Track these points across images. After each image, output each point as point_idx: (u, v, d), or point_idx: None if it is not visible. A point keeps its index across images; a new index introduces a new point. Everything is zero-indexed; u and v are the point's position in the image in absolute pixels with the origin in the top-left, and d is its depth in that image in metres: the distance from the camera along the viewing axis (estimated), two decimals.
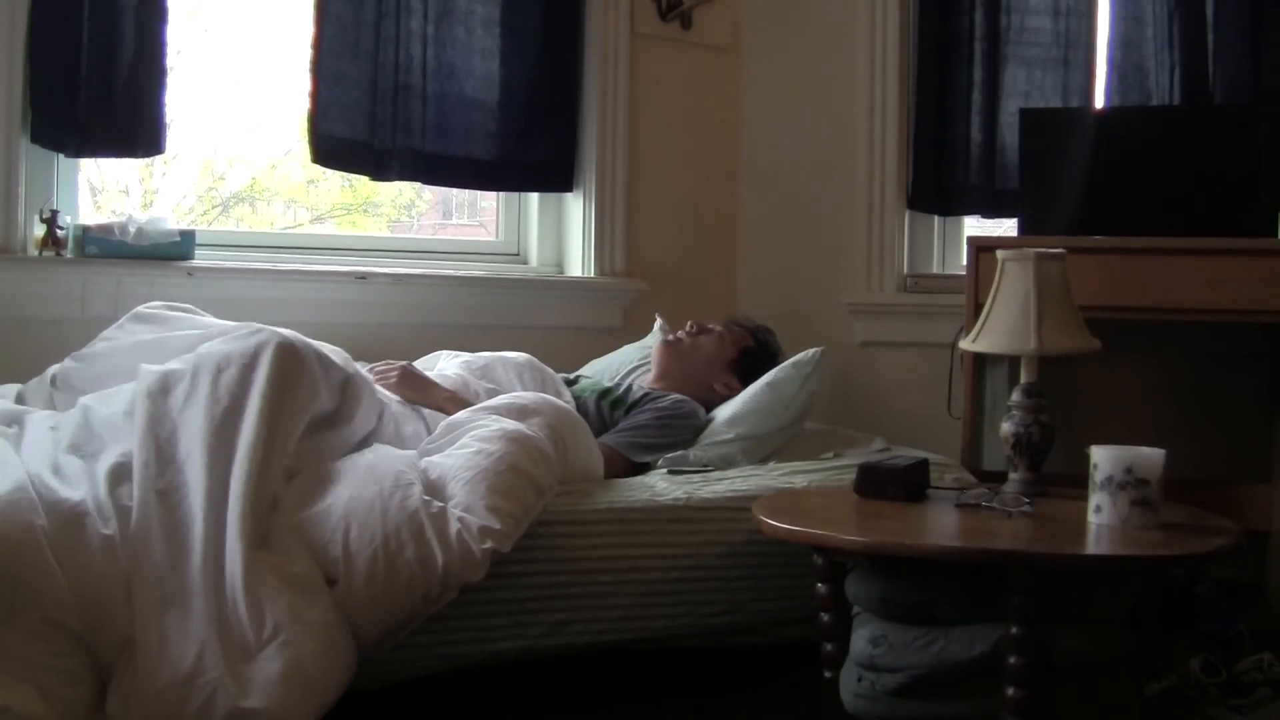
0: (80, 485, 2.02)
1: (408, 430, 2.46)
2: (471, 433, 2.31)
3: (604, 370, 3.23)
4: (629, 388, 2.91)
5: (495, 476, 2.17)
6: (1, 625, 1.81)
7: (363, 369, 2.49)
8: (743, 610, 2.43)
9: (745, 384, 2.97)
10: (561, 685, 2.38)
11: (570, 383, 2.95)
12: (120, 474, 2.04)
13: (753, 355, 3.04)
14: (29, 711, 1.76)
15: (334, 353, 2.34)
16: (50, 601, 1.84)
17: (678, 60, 3.68)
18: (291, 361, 2.15)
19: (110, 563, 1.92)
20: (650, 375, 3.05)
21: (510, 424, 2.33)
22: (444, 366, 2.86)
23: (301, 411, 2.16)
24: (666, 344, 3.06)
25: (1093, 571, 2.08)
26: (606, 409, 2.82)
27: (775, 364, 3.02)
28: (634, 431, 2.74)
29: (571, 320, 3.51)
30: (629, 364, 3.25)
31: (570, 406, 2.67)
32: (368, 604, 2.02)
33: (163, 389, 2.11)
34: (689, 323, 3.08)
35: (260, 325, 2.24)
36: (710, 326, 3.06)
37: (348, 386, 2.29)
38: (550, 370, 2.88)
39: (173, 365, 2.16)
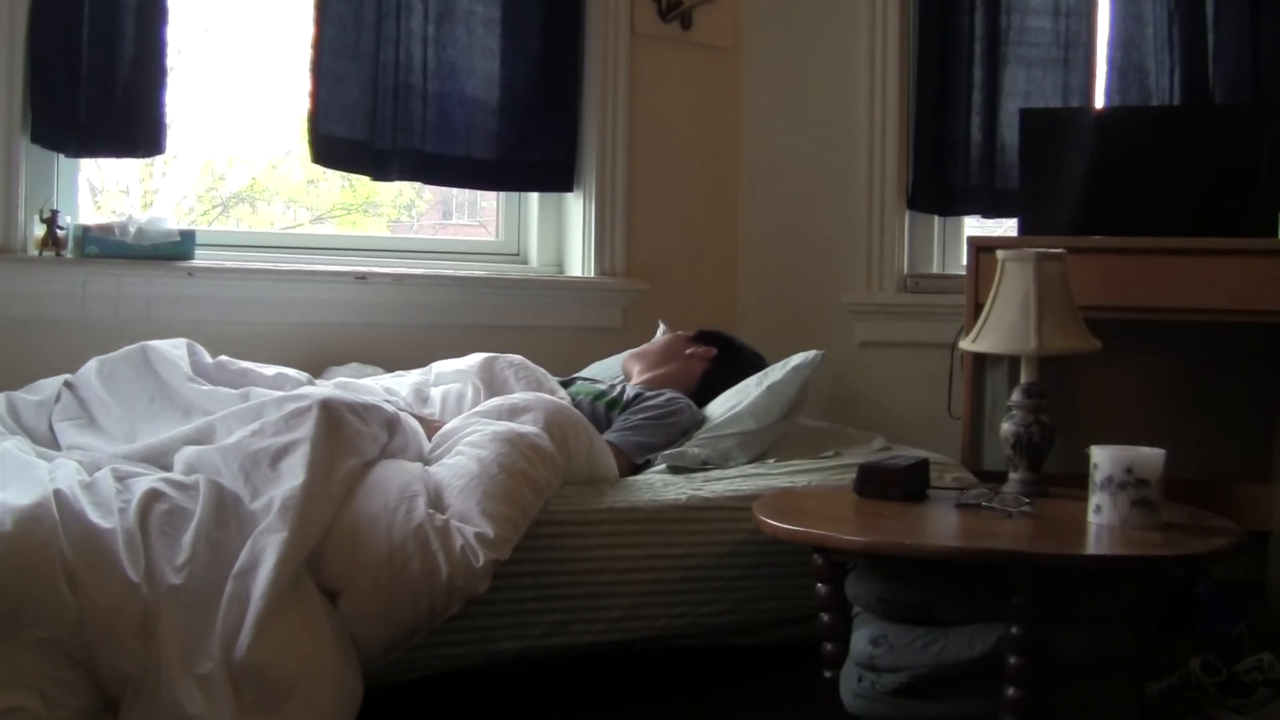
0: (112, 509, 1.96)
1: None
2: (465, 439, 2.30)
3: (601, 373, 3.24)
4: (622, 388, 2.92)
5: (489, 481, 2.15)
6: (5, 638, 1.80)
7: None
8: (743, 610, 2.43)
9: (713, 344, 3.07)
10: (562, 685, 2.38)
11: (565, 384, 2.96)
12: (152, 498, 2.01)
13: (707, 333, 3.14)
14: (36, 711, 1.76)
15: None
16: (55, 625, 1.82)
17: (678, 60, 3.68)
18: (349, 437, 2.16)
19: (126, 599, 1.86)
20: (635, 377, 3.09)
21: (501, 425, 2.32)
22: (440, 369, 2.86)
23: (345, 473, 2.16)
24: (630, 355, 3.17)
25: (1093, 571, 2.08)
26: (602, 410, 2.82)
27: (732, 338, 3.14)
28: (632, 430, 2.74)
29: (571, 320, 3.51)
30: None
31: (566, 402, 2.67)
32: (372, 617, 2.01)
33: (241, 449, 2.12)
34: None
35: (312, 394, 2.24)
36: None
37: (394, 426, 2.30)
38: (543, 371, 2.88)
39: (245, 430, 2.17)
